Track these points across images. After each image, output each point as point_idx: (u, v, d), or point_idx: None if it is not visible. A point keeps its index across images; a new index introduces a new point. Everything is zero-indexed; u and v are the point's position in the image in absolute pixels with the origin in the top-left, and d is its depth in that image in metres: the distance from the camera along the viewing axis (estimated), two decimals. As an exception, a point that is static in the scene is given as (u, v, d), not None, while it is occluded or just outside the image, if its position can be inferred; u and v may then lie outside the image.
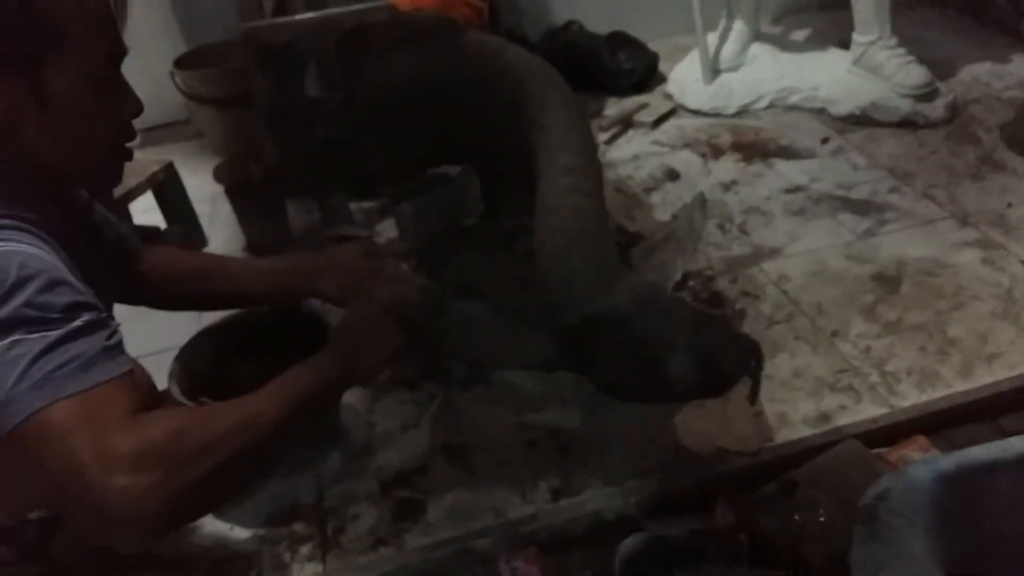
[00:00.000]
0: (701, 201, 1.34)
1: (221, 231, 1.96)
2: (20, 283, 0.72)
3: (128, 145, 0.94)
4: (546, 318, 1.11)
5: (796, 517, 1.05)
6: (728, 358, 0.96)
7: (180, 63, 2.21)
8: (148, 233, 1.76)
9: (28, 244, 0.77)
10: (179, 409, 0.78)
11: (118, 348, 0.77)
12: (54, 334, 0.72)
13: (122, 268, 1.11)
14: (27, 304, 0.72)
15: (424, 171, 1.77)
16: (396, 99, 1.54)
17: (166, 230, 1.84)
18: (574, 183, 1.16)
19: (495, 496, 1.20)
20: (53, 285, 0.74)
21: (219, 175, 2.11)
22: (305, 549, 1.16)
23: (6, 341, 0.70)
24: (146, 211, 1.89)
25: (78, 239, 0.89)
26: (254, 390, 0.82)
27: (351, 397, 1.38)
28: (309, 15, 1.84)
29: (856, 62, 2.11)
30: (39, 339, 0.71)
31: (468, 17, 1.90)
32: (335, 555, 1.15)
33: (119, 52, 0.88)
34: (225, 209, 2.02)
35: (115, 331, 0.78)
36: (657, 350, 0.98)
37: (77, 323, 0.74)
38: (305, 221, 1.93)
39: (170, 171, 1.85)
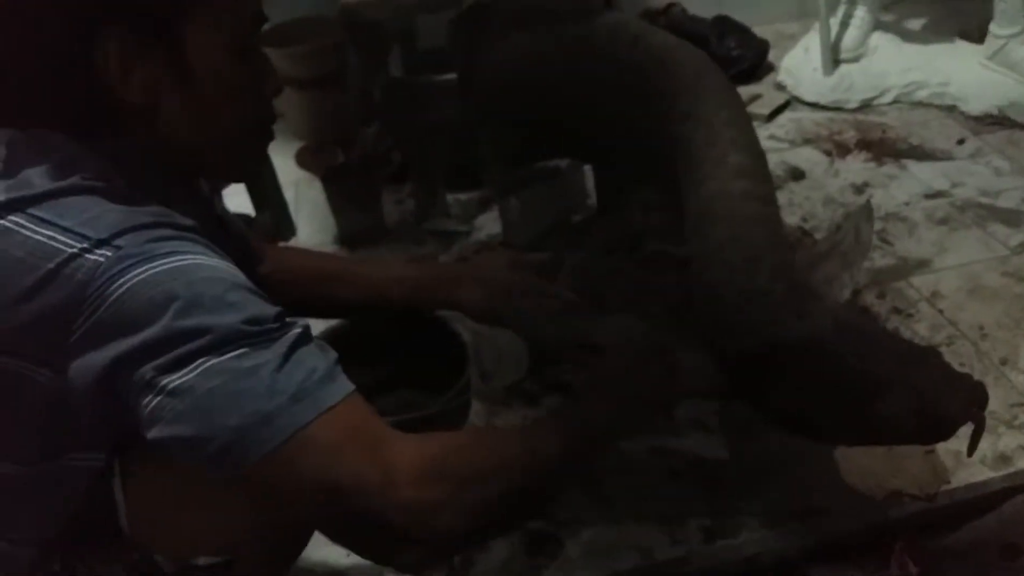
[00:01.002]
0: (868, 211, 1.20)
1: (308, 220, 1.84)
2: (220, 299, 0.65)
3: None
4: (718, 340, 0.98)
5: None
6: (952, 400, 0.83)
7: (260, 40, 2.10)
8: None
9: (201, 254, 0.68)
10: (449, 432, 0.77)
11: (338, 358, 0.70)
12: (282, 344, 0.66)
13: (244, 269, 1.00)
14: (244, 320, 0.65)
15: (534, 162, 1.64)
16: (518, 82, 1.41)
17: (255, 218, 1.74)
18: (750, 188, 1.02)
19: (639, 533, 1.08)
20: (251, 294, 0.67)
21: (303, 160, 2.01)
22: (431, 583, 1.06)
23: (232, 355, 0.63)
24: (230, 196, 1.79)
25: (214, 238, 0.78)
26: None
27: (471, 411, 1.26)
28: (412, -9, 1.73)
29: (992, 57, 1.94)
30: (267, 350, 0.65)
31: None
32: (465, 592, 1.04)
33: (261, 18, 0.79)
34: (311, 196, 1.92)
35: (323, 342, 0.71)
36: (868, 386, 0.84)
37: (297, 330, 0.68)
38: (399, 212, 1.82)
39: (260, 154, 1.75)
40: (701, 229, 1.04)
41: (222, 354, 0.63)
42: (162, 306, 0.63)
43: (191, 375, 0.63)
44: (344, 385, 0.68)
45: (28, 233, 0.65)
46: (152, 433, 0.65)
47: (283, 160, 1.94)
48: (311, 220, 1.85)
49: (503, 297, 1.04)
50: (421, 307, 1.09)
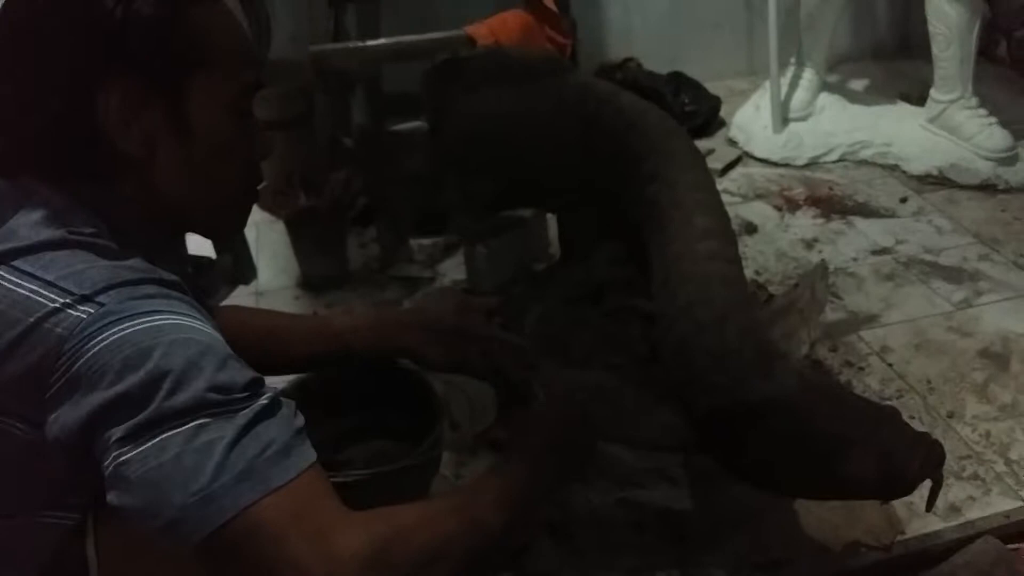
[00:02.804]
0: (823, 270, 1.26)
1: (270, 263, 1.84)
2: (193, 364, 0.64)
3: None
4: (687, 397, 1.01)
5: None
6: (912, 459, 0.87)
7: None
8: (200, 264, 1.64)
9: (183, 314, 0.67)
10: (393, 508, 0.71)
11: (304, 428, 0.68)
12: (243, 416, 0.64)
13: None
14: (210, 387, 0.63)
15: (500, 211, 1.67)
16: (489, 135, 1.45)
17: (216, 260, 1.72)
18: (716, 248, 1.07)
19: (609, 585, 1.10)
20: (226, 360, 0.66)
21: (265, 202, 2.01)
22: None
23: (191, 426, 0.62)
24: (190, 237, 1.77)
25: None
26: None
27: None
28: (382, 41, 1.76)
29: (933, 120, 2.04)
30: (228, 422, 0.63)
31: (553, 53, 1.82)
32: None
33: (259, 83, 0.80)
34: (271, 238, 1.92)
35: (294, 408, 0.69)
36: (833, 445, 0.88)
37: (263, 401, 0.66)
38: (362, 256, 1.83)
39: (223, 196, 1.74)
40: (668, 287, 1.08)
41: (182, 424, 0.63)
42: (135, 366, 0.63)
43: (146, 445, 0.62)
44: (299, 460, 0.66)
45: (10, 286, 0.65)
46: (110, 498, 0.64)
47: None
48: (272, 263, 1.85)
49: (448, 344, 1.05)
50: (369, 356, 1.09)
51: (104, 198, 0.72)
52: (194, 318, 0.68)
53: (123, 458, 0.62)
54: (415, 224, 1.77)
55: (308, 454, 0.67)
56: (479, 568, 0.73)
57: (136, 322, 0.64)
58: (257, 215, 1.96)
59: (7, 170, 0.72)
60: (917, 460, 0.87)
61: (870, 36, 2.70)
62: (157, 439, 0.62)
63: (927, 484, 0.94)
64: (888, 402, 1.36)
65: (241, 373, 0.67)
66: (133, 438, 0.62)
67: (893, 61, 2.63)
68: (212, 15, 0.74)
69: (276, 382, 1.01)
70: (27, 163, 0.72)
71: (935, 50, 1.96)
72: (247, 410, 0.65)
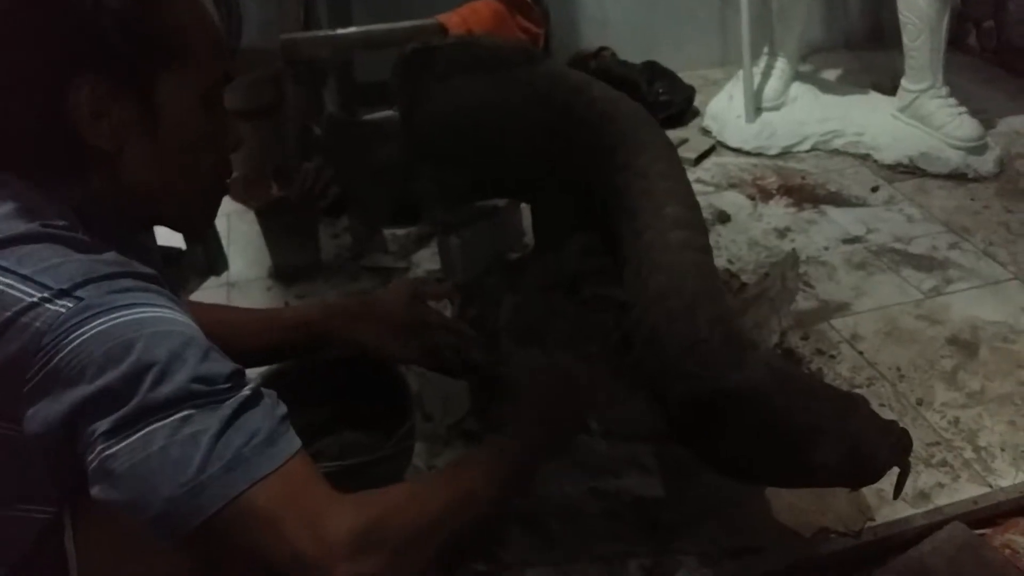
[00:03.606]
0: (793, 259, 1.27)
1: (241, 254, 1.82)
2: (177, 356, 0.64)
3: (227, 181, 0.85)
4: (658, 386, 1.01)
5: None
6: (880, 447, 0.88)
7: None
8: (171, 255, 1.62)
9: (162, 307, 0.67)
10: (383, 489, 0.73)
11: (287, 416, 0.70)
12: (228, 407, 0.65)
13: None
14: (194, 378, 0.64)
15: (473, 201, 1.67)
16: (460, 125, 1.43)
17: (186, 251, 1.70)
18: (687, 238, 1.07)
19: (581, 573, 1.10)
20: (208, 352, 0.67)
21: (236, 192, 1.99)
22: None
23: (175, 417, 0.63)
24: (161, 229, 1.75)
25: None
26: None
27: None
28: (353, 29, 1.74)
29: (903, 110, 2.06)
30: (212, 413, 0.64)
31: (525, 42, 1.81)
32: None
33: (229, 76, 0.80)
34: (243, 229, 1.90)
35: (275, 397, 0.70)
36: (802, 434, 0.89)
37: (246, 392, 0.67)
38: (335, 246, 1.81)
39: (193, 186, 1.72)
40: (639, 277, 1.08)
41: (167, 416, 0.63)
42: (117, 359, 0.63)
43: (132, 438, 0.63)
44: (286, 447, 0.67)
45: None
46: (94, 492, 0.64)
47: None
48: (244, 254, 1.83)
49: (399, 334, 1.07)
50: (323, 346, 1.10)
51: (75, 192, 0.71)
52: (173, 311, 0.68)
53: (108, 452, 0.62)
54: (387, 214, 1.76)
55: (293, 441, 0.68)
56: (468, 539, 0.75)
57: (116, 315, 0.64)
58: (228, 205, 1.94)
59: None
60: (885, 448, 0.88)
61: (843, 26, 2.71)
62: (143, 432, 0.63)
63: (895, 471, 0.95)
64: (858, 390, 1.37)
65: (223, 364, 0.67)
66: (118, 431, 0.63)
67: (865, 51, 2.64)
68: (183, 7, 0.73)
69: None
70: (1, 157, 0.71)
71: (906, 40, 1.98)
72: (231, 400, 0.65)
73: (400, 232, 1.81)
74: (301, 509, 0.65)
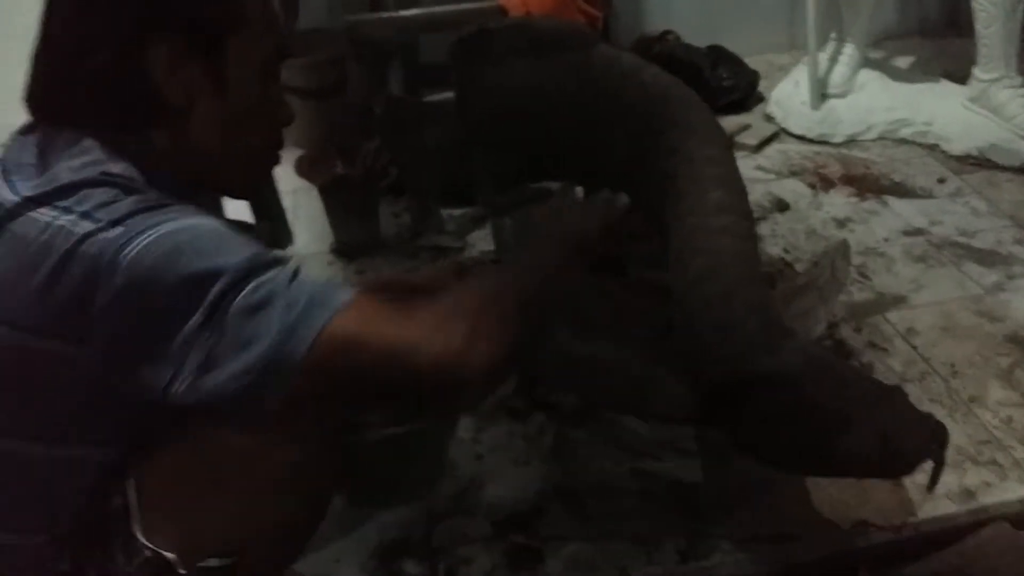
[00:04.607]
0: (844, 249, 1.25)
1: (305, 229, 1.88)
2: (226, 242, 0.72)
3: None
4: (694, 370, 1.02)
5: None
6: (912, 439, 0.88)
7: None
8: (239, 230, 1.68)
9: (203, 216, 0.74)
10: (439, 293, 0.85)
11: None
12: (287, 273, 0.73)
13: None
14: (249, 258, 0.71)
15: (526, 183, 1.68)
16: (514, 107, 1.45)
17: (255, 226, 1.77)
18: (729, 223, 1.07)
19: (617, 551, 1.12)
20: (251, 241, 0.75)
21: (302, 168, 2.04)
22: (414, 592, 1.09)
23: (248, 289, 0.70)
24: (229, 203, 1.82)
25: None
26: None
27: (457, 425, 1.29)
28: (416, 11, 1.77)
29: (974, 99, 1.99)
30: (277, 280, 0.71)
31: (584, 25, 1.81)
32: (447, 603, 1.08)
33: (285, 51, 0.88)
34: (307, 205, 1.95)
35: None
36: (832, 421, 0.89)
37: (293, 266, 0.74)
38: (395, 225, 1.86)
39: (259, 163, 1.78)
40: (681, 261, 1.09)
41: (238, 292, 0.70)
42: (173, 258, 0.69)
43: (215, 318, 0.69)
44: (349, 289, 0.75)
45: (49, 220, 0.71)
46: (202, 381, 0.70)
47: (281, 168, 1.97)
48: (308, 229, 1.89)
49: None
50: None
51: (142, 149, 0.78)
52: (213, 219, 0.74)
53: (201, 340, 0.69)
54: (445, 194, 1.79)
55: (350, 289, 0.76)
56: (524, 319, 0.82)
57: (161, 227, 0.71)
58: (294, 182, 1.99)
59: (56, 118, 0.79)
60: (918, 440, 0.87)
61: (917, 12, 2.63)
62: (220, 311, 0.69)
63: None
64: (909, 384, 1.35)
65: (267, 251, 0.75)
66: (198, 318, 0.69)
67: (940, 38, 2.56)
68: None
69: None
70: (74, 111, 0.78)
71: (978, 27, 1.91)
72: (287, 269, 0.73)
73: (458, 212, 1.85)
74: (389, 314, 0.74)
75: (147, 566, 0.77)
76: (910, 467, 0.91)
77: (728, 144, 1.23)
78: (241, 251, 0.71)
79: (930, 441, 0.89)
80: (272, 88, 0.87)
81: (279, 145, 0.91)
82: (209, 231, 0.72)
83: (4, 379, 0.74)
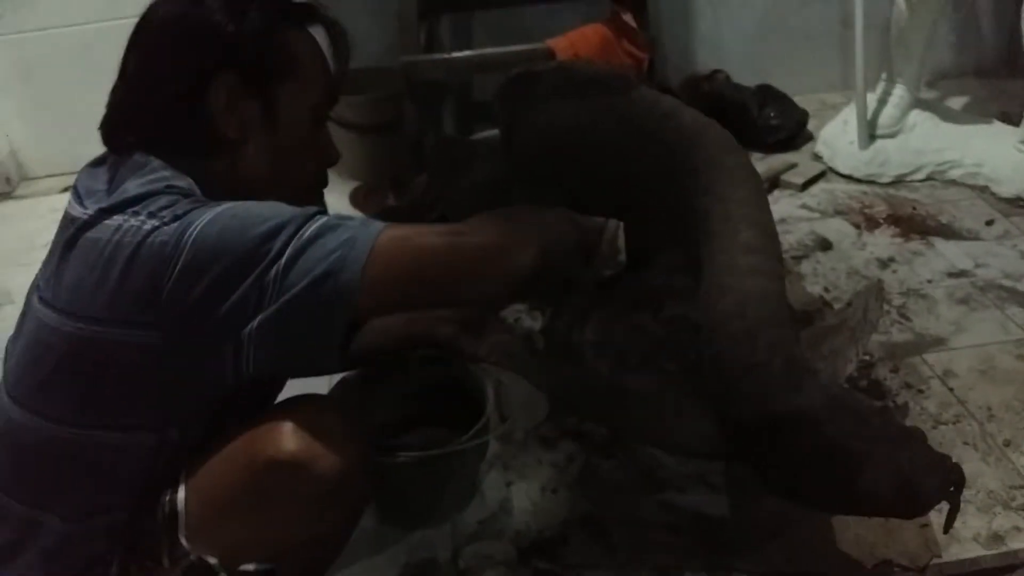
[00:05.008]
0: (878, 289, 1.26)
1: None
2: (275, 205, 0.81)
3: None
4: (720, 406, 1.05)
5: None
6: (930, 481, 0.89)
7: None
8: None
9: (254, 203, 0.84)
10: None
11: None
12: (331, 218, 0.82)
13: None
14: (299, 211, 0.81)
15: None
16: (555, 146, 1.51)
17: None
18: (757, 263, 1.10)
19: (639, 581, 1.15)
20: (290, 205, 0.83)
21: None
22: (439, 612, 1.13)
23: (307, 227, 0.79)
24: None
25: None
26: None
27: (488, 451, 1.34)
28: (468, 53, 1.84)
29: (1027, 140, 1.98)
30: (325, 222, 0.80)
31: (628, 67, 1.87)
32: (470, 624, 1.11)
33: (334, 98, 0.97)
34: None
35: None
36: (849, 460, 0.91)
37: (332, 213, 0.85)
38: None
39: (315, 194, 1.87)
40: (710, 299, 1.12)
41: (299, 234, 0.79)
42: (234, 225, 0.78)
43: (281, 262, 0.77)
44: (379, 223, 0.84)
45: (120, 223, 0.80)
46: (263, 323, 0.78)
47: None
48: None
49: (471, 326, 1.23)
50: (407, 347, 1.24)
51: (199, 172, 0.87)
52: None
53: (271, 277, 0.77)
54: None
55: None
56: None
57: (220, 208, 0.80)
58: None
59: (125, 145, 0.88)
60: (934, 481, 0.89)
61: (974, 53, 2.61)
62: (286, 254, 0.78)
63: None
64: (943, 427, 1.35)
65: (314, 207, 0.84)
66: (270, 263, 0.77)
67: (997, 79, 2.54)
68: (301, 39, 0.93)
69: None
70: (141, 139, 0.87)
71: (1031, 69, 1.91)
72: (329, 216, 0.83)
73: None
74: (426, 228, 0.87)
75: (191, 571, 0.83)
76: (926, 508, 0.92)
77: (761, 186, 1.26)
78: (291, 210, 0.81)
79: (946, 483, 0.90)
80: (320, 129, 0.96)
81: (323, 183, 0.99)
82: (259, 204, 0.81)
83: (73, 370, 0.82)
